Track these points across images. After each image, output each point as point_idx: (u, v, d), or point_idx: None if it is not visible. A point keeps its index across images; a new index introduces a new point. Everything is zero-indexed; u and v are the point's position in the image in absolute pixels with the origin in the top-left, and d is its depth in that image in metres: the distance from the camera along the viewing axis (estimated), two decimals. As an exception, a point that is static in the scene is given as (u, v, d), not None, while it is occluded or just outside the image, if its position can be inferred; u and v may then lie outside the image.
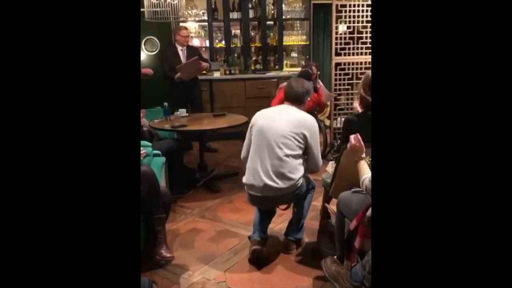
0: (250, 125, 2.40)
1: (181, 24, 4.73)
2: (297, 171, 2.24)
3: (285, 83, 4.30)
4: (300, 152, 2.26)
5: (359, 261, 1.69)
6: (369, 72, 2.17)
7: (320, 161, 2.36)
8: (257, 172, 2.25)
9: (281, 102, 2.54)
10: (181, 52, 4.38)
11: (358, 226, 1.70)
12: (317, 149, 2.32)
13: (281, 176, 2.21)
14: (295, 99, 2.36)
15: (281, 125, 2.24)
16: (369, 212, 1.64)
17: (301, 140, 2.24)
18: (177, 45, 4.39)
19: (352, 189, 1.94)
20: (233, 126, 3.43)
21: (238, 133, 4.32)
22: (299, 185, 2.26)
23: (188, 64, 4.15)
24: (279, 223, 2.73)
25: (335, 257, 1.98)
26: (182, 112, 3.78)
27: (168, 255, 2.22)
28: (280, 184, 2.21)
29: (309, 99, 2.43)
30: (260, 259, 2.30)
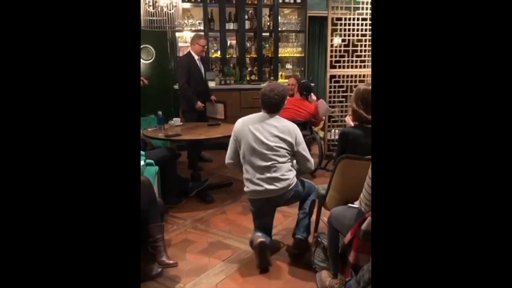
0: (233, 133, 2.46)
1: (197, 33, 4.56)
2: (289, 171, 2.41)
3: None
4: (289, 156, 2.42)
5: (353, 275, 1.67)
6: (360, 85, 2.19)
7: (311, 159, 2.48)
8: (255, 181, 2.38)
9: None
10: (198, 62, 4.25)
11: (353, 240, 1.68)
12: (304, 149, 2.43)
13: (277, 179, 2.36)
14: (272, 108, 2.40)
15: (268, 140, 2.35)
16: (364, 226, 1.62)
17: (288, 148, 2.38)
18: (193, 54, 4.23)
19: (348, 205, 1.93)
20: (228, 136, 3.41)
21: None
22: (294, 183, 2.41)
23: (219, 108, 4.29)
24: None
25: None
26: (176, 121, 3.75)
27: (171, 261, 2.23)
28: (278, 185, 2.36)
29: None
30: (265, 253, 2.32)
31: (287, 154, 2.39)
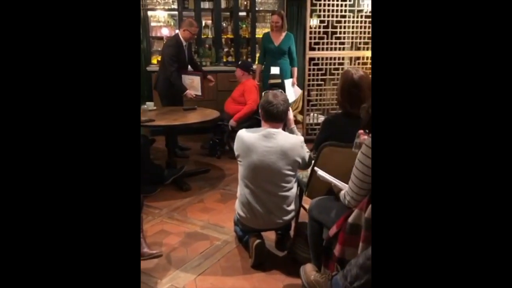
0: (236, 151, 2.22)
1: (189, 19, 4.06)
2: (294, 201, 2.22)
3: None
4: (295, 178, 2.21)
5: (339, 270, 1.61)
6: (347, 74, 2.01)
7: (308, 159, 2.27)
8: (257, 211, 2.16)
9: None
10: (185, 48, 3.88)
11: (338, 233, 1.61)
12: (305, 159, 2.17)
13: (283, 211, 2.18)
14: (278, 118, 2.16)
15: (275, 161, 2.09)
16: (350, 219, 1.55)
17: (295, 167, 2.17)
18: (181, 39, 3.84)
19: (327, 196, 1.86)
20: (205, 122, 3.28)
21: (210, 128, 4.17)
22: (296, 212, 2.27)
23: (195, 82, 3.90)
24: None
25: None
26: (150, 105, 3.58)
27: (154, 251, 2.14)
28: (283, 218, 2.19)
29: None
30: (263, 253, 2.21)
31: (293, 177, 2.17)
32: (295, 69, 4.33)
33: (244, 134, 2.19)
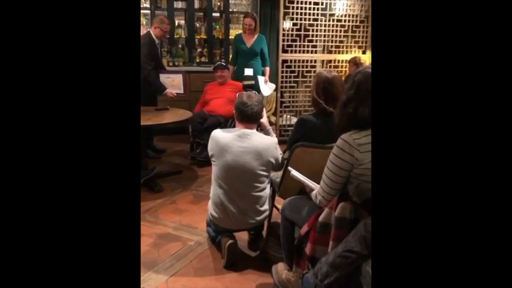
0: (210, 151, 2.21)
1: (161, 16, 4.07)
2: (267, 201, 2.24)
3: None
4: (268, 179, 2.22)
5: (310, 268, 1.64)
6: (322, 73, 2.09)
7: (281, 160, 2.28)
8: (230, 211, 2.16)
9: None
10: (157, 46, 3.85)
11: (310, 232, 1.64)
12: (279, 160, 2.19)
13: (256, 211, 2.19)
14: (252, 119, 2.17)
15: (249, 161, 2.10)
16: (321, 218, 1.58)
17: (269, 168, 2.18)
18: (153, 36, 3.77)
19: (299, 196, 1.89)
20: (178, 122, 3.25)
21: (181, 128, 4.13)
22: (269, 213, 2.28)
23: (176, 79, 3.83)
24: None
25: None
26: (121, 105, 3.50)
27: None
28: (256, 218, 2.20)
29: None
30: (236, 253, 2.19)
31: (266, 177, 2.18)
32: (267, 69, 4.36)
33: (219, 134, 2.20)
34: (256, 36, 4.25)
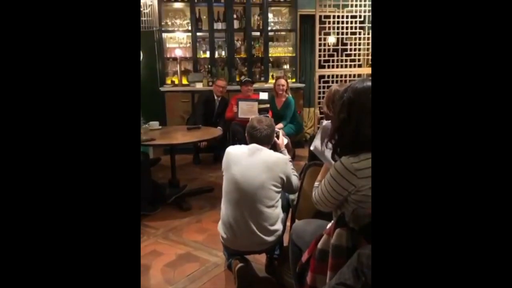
0: (223, 165, 2.20)
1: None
2: (278, 221, 2.13)
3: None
4: (279, 196, 2.13)
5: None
6: (333, 86, 2.00)
7: (297, 183, 2.17)
8: (238, 230, 2.09)
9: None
10: (217, 101, 4.45)
11: (310, 259, 1.51)
12: (291, 179, 2.13)
13: (265, 230, 2.08)
14: (260, 142, 2.15)
15: (257, 174, 2.04)
16: (319, 244, 1.45)
17: (279, 185, 2.10)
18: (214, 93, 4.47)
19: (308, 219, 1.78)
20: (206, 140, 3.27)
21: (214, 146, 4.17)
22: (281, 233, 2.16)
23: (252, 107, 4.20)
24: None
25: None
26: (155, 124, 3.61)
27: None
28: (266, 239, 2.09)
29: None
30: (246, 278, 2.10)
31: (276, 195, 2.10)
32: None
33: (231, 150, 2.21)
34: (283, 100, 4.37)
